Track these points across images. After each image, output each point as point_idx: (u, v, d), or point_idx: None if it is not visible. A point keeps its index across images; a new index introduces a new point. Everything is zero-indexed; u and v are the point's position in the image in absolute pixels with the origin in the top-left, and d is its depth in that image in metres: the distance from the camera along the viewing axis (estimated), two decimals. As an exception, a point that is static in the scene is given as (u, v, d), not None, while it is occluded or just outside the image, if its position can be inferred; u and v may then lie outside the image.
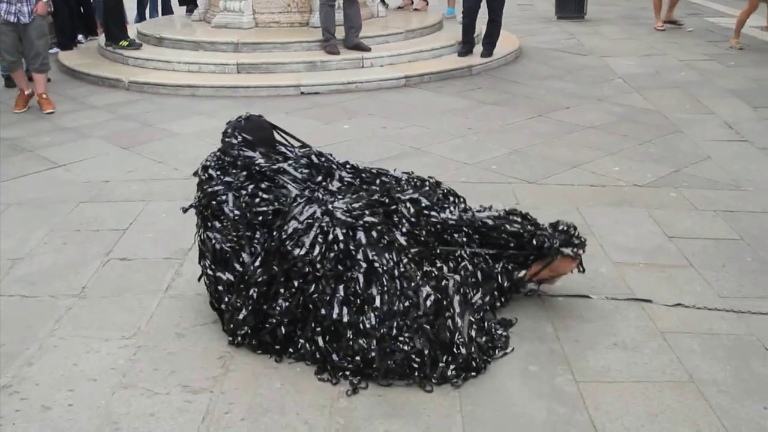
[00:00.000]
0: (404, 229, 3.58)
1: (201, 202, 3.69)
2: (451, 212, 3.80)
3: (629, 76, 8.98)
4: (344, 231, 3.44)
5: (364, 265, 3.39)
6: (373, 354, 3.29)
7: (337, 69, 8.91)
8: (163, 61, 9.26)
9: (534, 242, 3.83)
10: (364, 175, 3.94)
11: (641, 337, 3.64)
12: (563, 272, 3.89)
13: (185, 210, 3.84)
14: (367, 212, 3.52)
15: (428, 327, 3.33)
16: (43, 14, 7.66)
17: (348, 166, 3.98)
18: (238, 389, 3.28)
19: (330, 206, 3.52)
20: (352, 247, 3.42)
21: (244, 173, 3.70)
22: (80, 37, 11.14)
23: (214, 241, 3.58)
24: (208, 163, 3.83)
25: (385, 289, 3.37)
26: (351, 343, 3.32)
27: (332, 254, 3.41)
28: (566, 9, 13.25)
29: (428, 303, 3.38)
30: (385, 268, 3.41)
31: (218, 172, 3.75)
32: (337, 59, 9.01)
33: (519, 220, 3.95)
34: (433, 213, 3.71)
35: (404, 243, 3.54)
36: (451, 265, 3.70)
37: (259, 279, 3.47)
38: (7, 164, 6.31)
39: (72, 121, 7.58)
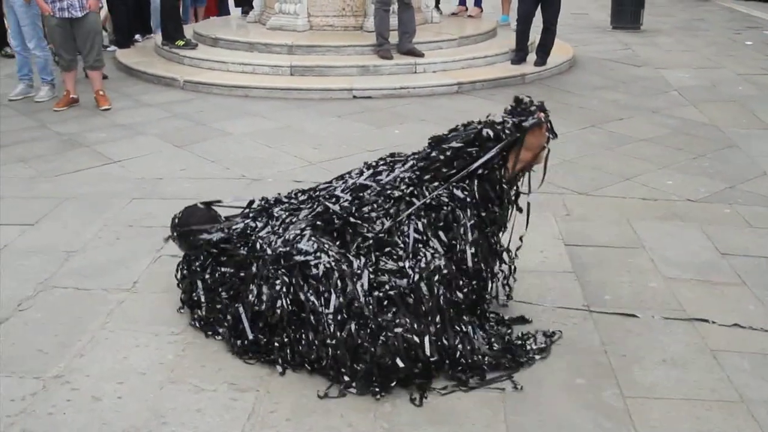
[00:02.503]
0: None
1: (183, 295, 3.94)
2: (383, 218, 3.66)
3: (685, 89, 8.86)
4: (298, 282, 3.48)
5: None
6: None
7: (390, 74, 8.93)
8: (218, 61, 9.37)
9: (491, 134, 3.68)
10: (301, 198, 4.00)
11: (690, 354, 3.59)
12: (540, 145, 3.72)
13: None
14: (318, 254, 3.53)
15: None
16: (95, 9, 7.80)
17: (284, 198, 4.07)
18: (284, 389, 3.30)
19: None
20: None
21: (202, 256, 3.89)
22: (137, 36, 11.32)
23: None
24: (181, 267, 4.02)
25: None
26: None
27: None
28: (622, 19, 13.12)
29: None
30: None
31: (186, 269, 3.96)
32: (390, 64, 9.03)
33: (460, 130, 3.84)
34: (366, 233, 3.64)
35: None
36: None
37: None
38: (64, 159, 6.45)
39: (127, 118, 7.71)
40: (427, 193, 3.63)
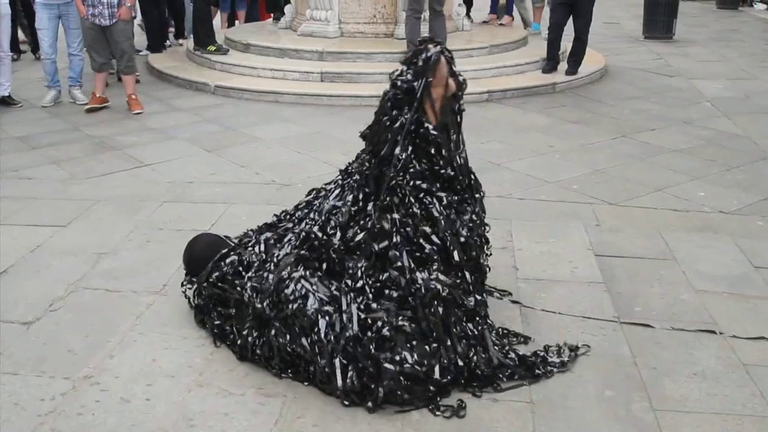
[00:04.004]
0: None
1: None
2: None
3: (718, 100, 8.78)
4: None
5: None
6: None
7: (420, 81, 8.91)
8: (249, 66, 9.42)
9: (398, 92, 3.61)
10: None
11: (722, 368, 3.54)
12: (445, 75, 3.65)
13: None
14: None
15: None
16: (126, 19, 7.89)
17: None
18: (311, 395, 3.30)
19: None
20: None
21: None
22: (170, 36, 11.40)
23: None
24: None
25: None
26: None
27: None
28: (654, 29, 13.03)
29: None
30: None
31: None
32: (420, 71, 9.00)
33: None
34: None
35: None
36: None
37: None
38: (96, 161, 6.51)
39: (158, 122, 7.78)
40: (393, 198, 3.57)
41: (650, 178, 6.07)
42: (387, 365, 3.19)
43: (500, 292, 4.14)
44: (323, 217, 3.68)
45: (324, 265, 3.57)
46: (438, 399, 3.25)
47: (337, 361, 3.24)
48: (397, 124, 3.59)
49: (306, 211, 3.89)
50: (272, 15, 12.46)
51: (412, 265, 3.46)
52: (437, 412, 3.19)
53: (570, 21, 9.32)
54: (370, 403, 3.19)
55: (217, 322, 3.73)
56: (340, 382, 3.22)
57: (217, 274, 3.81)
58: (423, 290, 3.39)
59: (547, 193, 5.70)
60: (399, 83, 3.61)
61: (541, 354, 3.56)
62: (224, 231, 4.46)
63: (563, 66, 9.51)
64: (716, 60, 11.32)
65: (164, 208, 5.41)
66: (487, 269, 3.86)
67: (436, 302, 3.38)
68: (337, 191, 3.78)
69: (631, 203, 5.53)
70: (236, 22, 12.62)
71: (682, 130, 7.50)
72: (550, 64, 9.48)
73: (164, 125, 7.66)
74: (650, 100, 8.76)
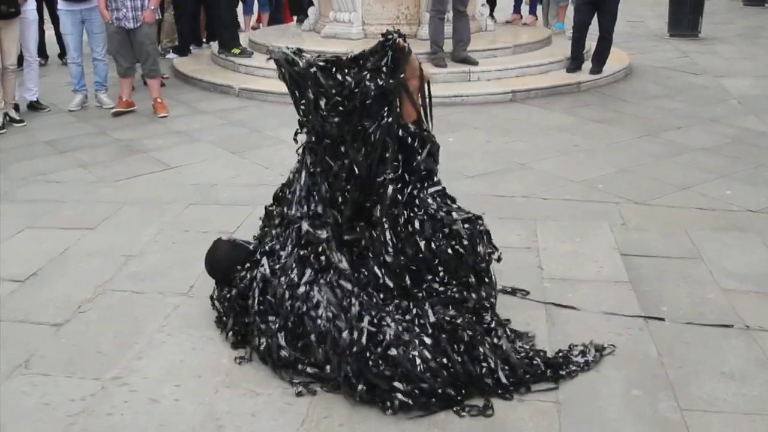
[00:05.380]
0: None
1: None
2: None
3: (745, 98, 8.69)
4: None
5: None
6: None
7: (444, 82, 8.91)
8: (273, 69, 9.38)
9: (372, 87, 3.53)
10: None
11: (751, 367, 3.51)
12: (415, 66, 3.64)
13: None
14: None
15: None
16: (150, 22, 7.96)
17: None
18: (339, 396, 3.30)
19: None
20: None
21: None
22: (192, 48, 11.44)
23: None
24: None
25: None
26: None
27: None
28: (679, 26, 12.92)
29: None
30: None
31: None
32: (444, 72, 9.02)
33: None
34: None
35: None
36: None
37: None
38: (123, 164, 6.57)
39: (184, 125, 7.84)
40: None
41: (676, 176, 6.03)
42: (397, 384, 3.20)
43: (521, 291, 4.14)
44: (303, 207, 3.70)
45: (322, 258, 3.60)
46: (462, 400, 3.25)
47: (348, 370, 3.26)
48: (382, 127, 3.56)
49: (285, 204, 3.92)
50: (296, 17, 12.51)
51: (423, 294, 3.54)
52: (462, 413, 3.19)
53: (594, 20, 9.28)
54: (389, 411, 3.18)
55: (235, 329, 3.74)
56: (358, 388, 3.23)
57: (235, 291, 3.81)
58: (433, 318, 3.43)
59: (572, 193, 5.68)
60: (372, 84, 3.52)
61: (565, 353, 3.55)
62: (249, 232, 4.49)
63: (587, 65, 9.46)
64: (743, 57, 11.21)
65: (190, 210, 5.45)
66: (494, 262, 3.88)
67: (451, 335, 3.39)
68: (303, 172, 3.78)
69: (656, 202, 5.50)
70: (260, 24, 12.69)
71: (708, 129, 7.44)
72: (575, 63, 9.44)
73: (189, 128, 7.72)
74: (676, 99, 8.69)
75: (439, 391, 3.21)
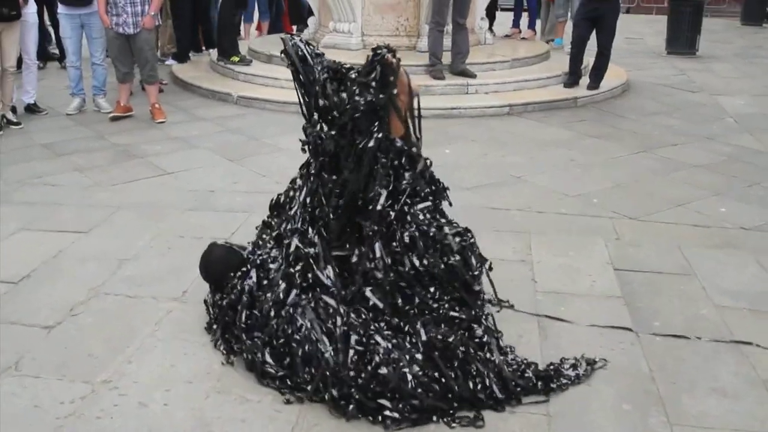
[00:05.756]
0: None
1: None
2: None
3: (741, 116, 8.73)
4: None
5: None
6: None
7: (442, 94, 8.95)
8: (272, 77, 9.47)
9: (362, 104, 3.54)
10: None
11: (742, 384, 3.51)
12: (405, 81, 3.62)
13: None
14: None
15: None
16: (149, 28, 7.98)
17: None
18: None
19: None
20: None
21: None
22: (192, 55, 11.45)
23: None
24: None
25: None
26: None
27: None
28: (677, 44, 12.99)
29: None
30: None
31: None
32: (442, 84, 9.05)
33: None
34: None
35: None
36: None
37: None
38: (120, 169, 6.57)
39: (182, 131, 7.85)
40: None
41: (671, 193, 6.05)
42: (385, 402, 3.19)
43: (503, 303, 4.14)
44: (297, 223, 3.71)
45: (309, 275, 3.60)
46: (453, 413, 3.24)
47: (335, 392, 3.25)
48: (373, 141, 3.56)
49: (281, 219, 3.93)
50: (295, 27, 12.54)
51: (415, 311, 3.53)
52: (453, 424, 3.18)
53: (593, 36, 9.32)
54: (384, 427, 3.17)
55: (225, 336, 3.73)
56: (348, 408, 3.22)
57: (225, 301, 3.80)
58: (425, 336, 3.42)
59: (567, 207, 5.69)
60: (369, 102, 3.53)
61: (557, 366, 3.55)
62: (244, 239, 4.49)
63: (585, 80, 9.50)
64: (740, 76, 11.26)
65: (186, 216, 5.45)
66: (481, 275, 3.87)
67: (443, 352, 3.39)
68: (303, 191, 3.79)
69: (651, 218, 5.51)
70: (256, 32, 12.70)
71: (704, 146, 7.47)
72: (572, 78, 9.48)
73: (187, 134, 7.72)
74: (672, 116, 8.72)
75: (431, 406, 3.21)
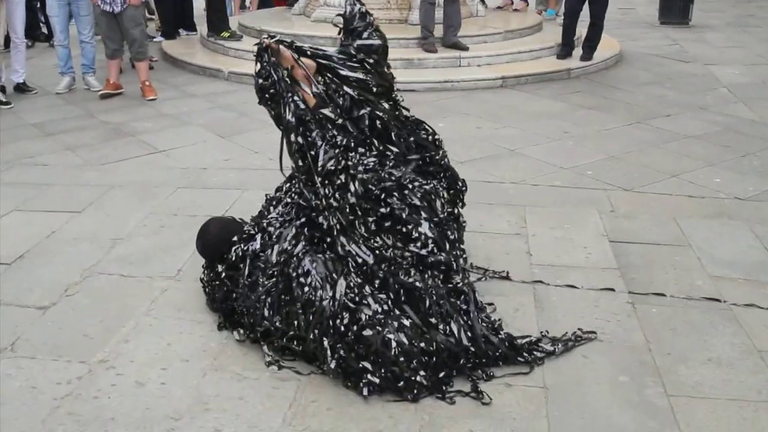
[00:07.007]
0: None
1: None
2: None
3: (734, 86, 8.71)
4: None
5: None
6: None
7: (434, 67, 8.90)
8: (263, 53, 9.38)
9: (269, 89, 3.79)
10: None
11: (737, 354, 3.52)
12: (289, 57, 3.78)
13: None
14: None
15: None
16: (136, 4, 7.90)
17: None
18: (326, 380, 3.30)
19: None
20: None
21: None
22: (182, 32, 11.34)
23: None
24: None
25: None
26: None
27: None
28: (670, 14, 12.92)
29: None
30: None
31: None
32: (435, 57, 9.00)
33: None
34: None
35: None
36: None
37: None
38: (111, 147, 6.54)
39: (173, 108, 7.80)
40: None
41: (665, 164, 6.04)
42: (366, 364, 3.21)
43: (496, 273, 4.15)
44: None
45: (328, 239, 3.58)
46: (444, 387, 3.25)
47: (325, 342, 3.25)
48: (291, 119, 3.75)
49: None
50: (286, 1, 12.44)
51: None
52: (448, 396, 3.19)
53: (585, 6, 9.26)
54: (364, 391, 3.18)
55: (223, 306, 3.72)
56: (329, 361, 3.23)
57: (224, 265, 3.78)
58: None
59: (561, 179, 5.68)
60: (263, 87, 3.81)
61: (533, 339, 3.54)
62: (237, 216, 4.47)
63: (578, 52, 9.45)
64: (733, 46, 11.22)
65: (178, 194, 5.42)
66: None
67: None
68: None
69: (646, 189, 5.50)
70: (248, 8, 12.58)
71: (697, 116, 7.45)
72: (565, 49, 9.42)
73: (178, 111, 7.68)
74: (666, 86, 8.70)
75: (410, 377, 3.21)
